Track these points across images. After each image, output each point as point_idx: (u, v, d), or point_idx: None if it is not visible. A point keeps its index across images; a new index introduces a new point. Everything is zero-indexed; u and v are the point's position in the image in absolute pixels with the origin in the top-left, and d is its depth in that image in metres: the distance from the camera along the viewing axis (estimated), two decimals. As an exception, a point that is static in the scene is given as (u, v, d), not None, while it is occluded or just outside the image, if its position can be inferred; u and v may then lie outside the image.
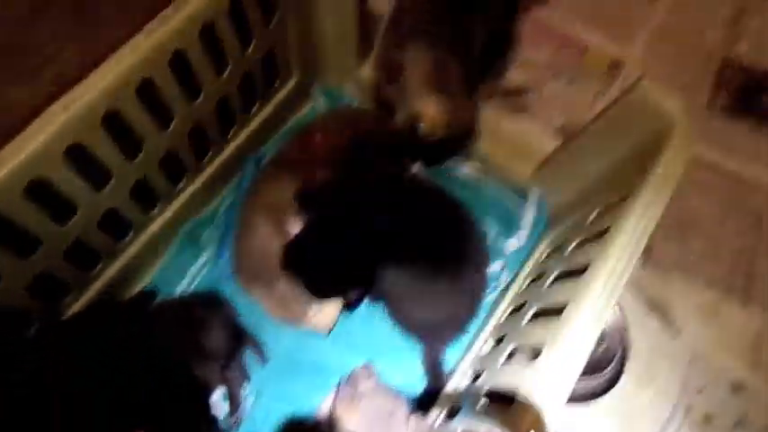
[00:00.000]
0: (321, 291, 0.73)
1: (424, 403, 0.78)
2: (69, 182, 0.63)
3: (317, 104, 1.00)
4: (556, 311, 0.59)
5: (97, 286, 0.79)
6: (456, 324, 0.80)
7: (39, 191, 0.60)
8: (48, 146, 0.58)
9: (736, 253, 0.98)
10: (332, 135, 0.86)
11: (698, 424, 0.85)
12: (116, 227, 0.76)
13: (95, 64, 0.61)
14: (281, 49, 0.87)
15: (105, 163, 0.66)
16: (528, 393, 0.51)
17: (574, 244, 0.71)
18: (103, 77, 0.60)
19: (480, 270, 0.80)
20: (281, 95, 0.94)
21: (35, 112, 0.58)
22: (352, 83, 1.01)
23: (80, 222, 0.67)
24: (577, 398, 0.84)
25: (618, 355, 0.87)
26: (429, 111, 0.82)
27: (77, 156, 0.62)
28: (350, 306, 0.81)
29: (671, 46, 1.16)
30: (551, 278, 0.70)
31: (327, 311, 0.80)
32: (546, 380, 0.51)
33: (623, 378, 0.86)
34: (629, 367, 0.87)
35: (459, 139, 0.89)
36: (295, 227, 0.73)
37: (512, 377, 0.57)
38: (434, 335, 0.81)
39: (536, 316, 0.68)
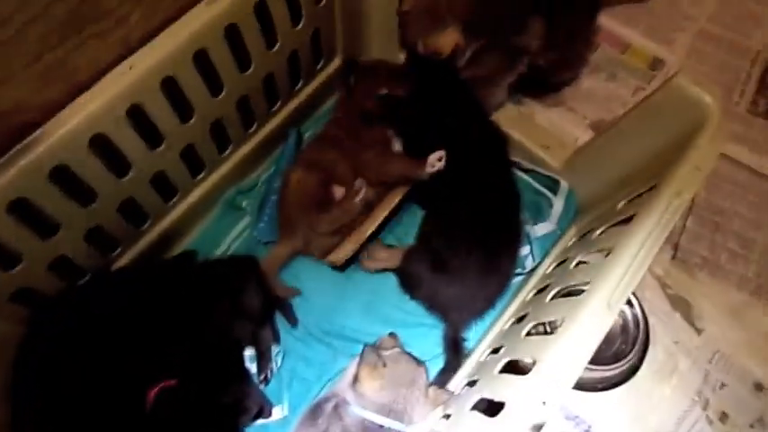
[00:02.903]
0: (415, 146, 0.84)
1: (441, 378, 0.81)
2: (128, 140, 0.68)
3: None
4: (577, 292, 0.61)
5: (143, 244, 0.85)
6: (483, 302, 0.82)
7: (100, 146, 0.65)
8: (111, 104, 0.63)
9: (767, 256, 0.97)
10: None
11: (714, 421, 0.86)
12: (164, 189, 0.81)
13: (157, 31, 0.66)
14: (328, 30, 0.91)
15: (160, 125, 0.71)
16: (545, 364, 0.53)
17: (600, 230, 0.73)
18: (164, 44, 0.65)
19: (515, 251, 0.83)
20: (324, 75, 0.98)
21: (102, 71, 0.63)
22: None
23: (135, 179, 0.73)
24: (595, 386, 0.86)
25: (637, 347, 0.88)
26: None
27: (136, 116, 0.67)
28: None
29: (714, 48, 1.16)
30: (575, 261, 0.71)
31: (343, 250, 0.86)
32: (563, 350, 0.53)
33: (642, 371, 0.87)
34: (649, 361, 0.88)
35: None
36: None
37: (531, 349, 0.59)
38: (462, 310, 0.83)
39: (558, 297, 0.70)
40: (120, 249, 0.82)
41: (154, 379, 0.72)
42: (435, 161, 0.78)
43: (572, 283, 0.68)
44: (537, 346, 0.58)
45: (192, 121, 0.75)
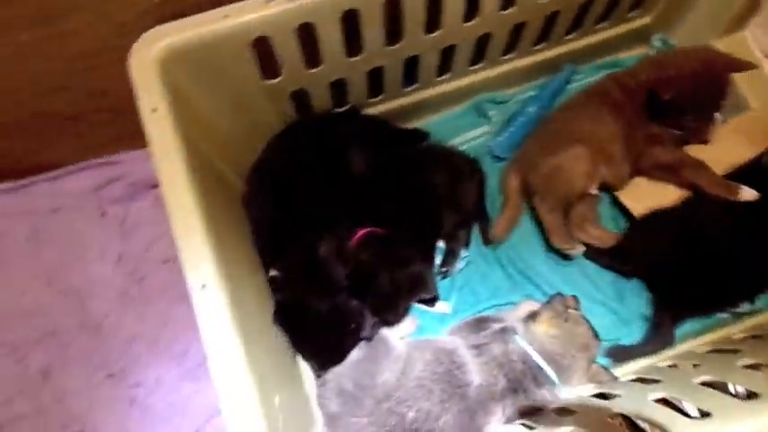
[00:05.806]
0: None
1: (627, 353, 0.81)
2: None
3: (651, 52, 0.96)
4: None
5: (396, 104, 0.89)
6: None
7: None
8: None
9: None
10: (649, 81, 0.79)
11: None
12: (442, 64, 0.84)
13: None
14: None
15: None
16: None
17: None
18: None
19: None
20: (627, 27, 0.93)
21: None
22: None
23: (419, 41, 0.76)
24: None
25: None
26: None
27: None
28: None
29: None
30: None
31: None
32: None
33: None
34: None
35: None
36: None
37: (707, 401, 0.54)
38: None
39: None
40: (379, 98, 0.86)
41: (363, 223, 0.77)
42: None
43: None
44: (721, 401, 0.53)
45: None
